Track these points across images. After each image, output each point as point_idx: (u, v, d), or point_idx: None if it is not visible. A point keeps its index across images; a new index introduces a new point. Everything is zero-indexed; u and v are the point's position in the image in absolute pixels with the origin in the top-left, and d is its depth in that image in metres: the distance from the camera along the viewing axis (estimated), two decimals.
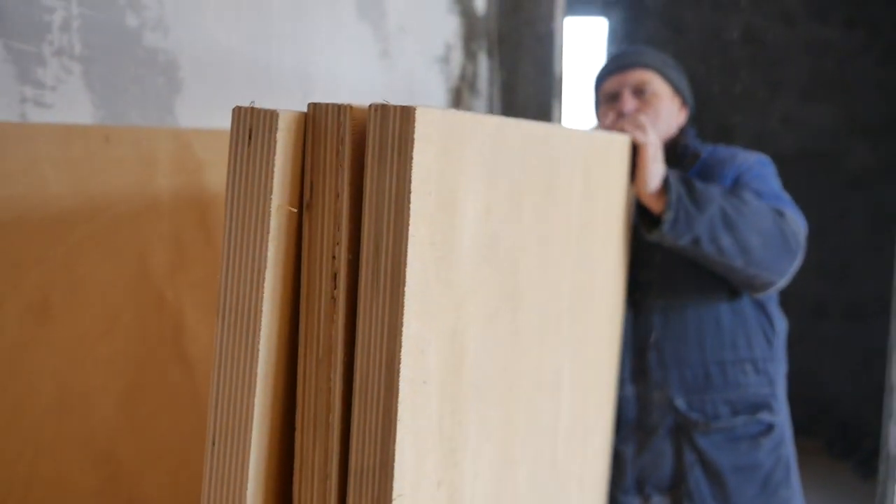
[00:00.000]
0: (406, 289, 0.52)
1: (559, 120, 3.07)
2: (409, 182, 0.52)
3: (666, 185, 1.74)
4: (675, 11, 5.27)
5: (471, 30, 2.62)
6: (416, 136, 0.52)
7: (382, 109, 0.53)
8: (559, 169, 0.99)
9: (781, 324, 2.04)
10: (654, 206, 1.76)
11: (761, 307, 1.98)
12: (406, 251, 0.52)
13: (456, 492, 0.65)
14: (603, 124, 2.03)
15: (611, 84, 2.05)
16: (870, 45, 5.00)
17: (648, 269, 1.97)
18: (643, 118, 1.83)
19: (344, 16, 1.89)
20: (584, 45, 5.53)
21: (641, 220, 1.85)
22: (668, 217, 1.71)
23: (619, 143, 1.60)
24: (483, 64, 2.73)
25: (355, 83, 1.96)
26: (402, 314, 0.52)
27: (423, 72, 2.31)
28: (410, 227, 0.52)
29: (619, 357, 1.96)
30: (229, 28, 1.56)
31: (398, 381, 0.52)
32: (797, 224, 1.80)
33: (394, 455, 0.52)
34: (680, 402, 1.97)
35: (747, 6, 5.21)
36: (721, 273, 1.86)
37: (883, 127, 5.02)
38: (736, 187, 1.91)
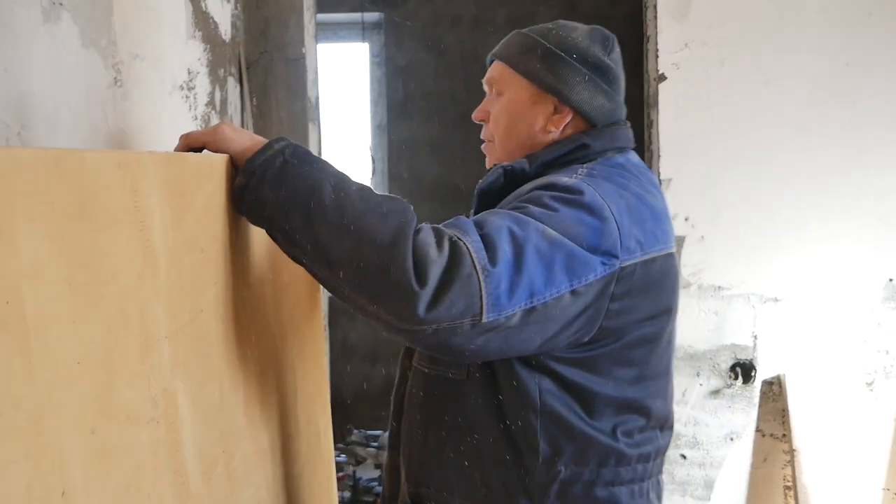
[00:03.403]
0: None
1: (317, 144, 3.04)
2: None
3: (265, 145, 1.29)
4: (434, 33, 5.37)
5: (216, 55, 2.55)
6: None
7: None
8: (100, 197, 0.97)
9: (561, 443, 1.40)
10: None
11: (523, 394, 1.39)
12: None
13: None
14: None
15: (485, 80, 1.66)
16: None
17: None
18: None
19: (66, 42, 1.78)
20: (346, 70, 5.55)
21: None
22: (239, 182, 1.27)
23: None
24: (232, 90, 2.67)
25: (85, 113, 1.85)
26: None
27: (163, 99, 2.22)
28: None
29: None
30: None
31: None
32: (442, 258, 1.19)
33: None
34: (418, 496, 1.53)
35: (504, 26, 5.39)
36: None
37: (636, 139, 5.31)
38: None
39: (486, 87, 1.62)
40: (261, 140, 1.32)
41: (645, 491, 1.48)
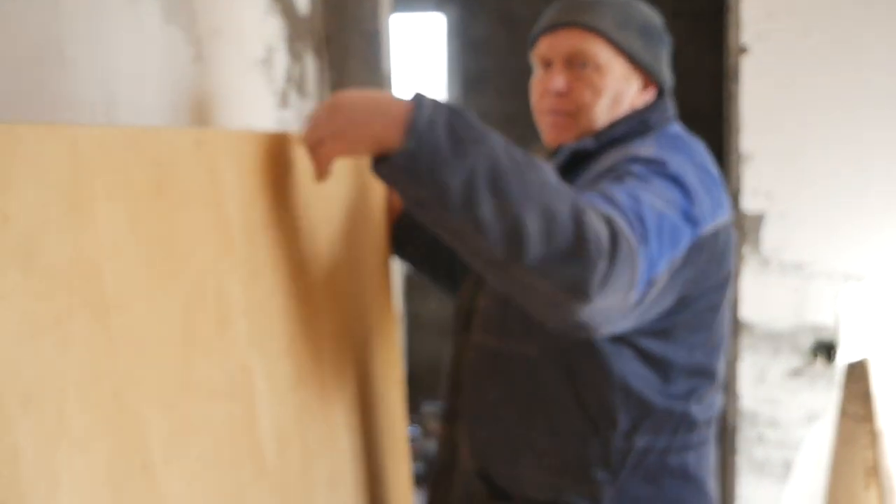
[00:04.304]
0: None
1: None
2: None
3: (416, 103, 1.11)
4: (508, 5, 5.32)
5: (294, 30, 2.56)
6: None
7: None
8: (178, 175, 0.98)
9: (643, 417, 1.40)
10: (391, 139, 1.11)
11: (604, 378, 1.38)
12: None
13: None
14: (533, 100, 1.56)
15: (542, 48, 1.52)
16: (693, 35, 5.18)
17: (476, 290, 1.53)
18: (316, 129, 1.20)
19: (148, 20, 1.81)
20: (421, 41, 5.53)
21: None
22: (408, 146, 1.07)
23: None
24: (310, 65, 2.68)
25: (167, 89, 1.87)
26: None
27: (242, 75, 2.24)
28: None
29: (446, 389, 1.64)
30: (11, 32, 1.46)
31: None
32: (606, 232, 1.12)
33: None
34: (485, 470, 1.51)
35: None
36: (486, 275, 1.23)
37: (713, 113, 5.21)
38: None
39: (556, 56, 1.49)
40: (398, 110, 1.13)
41: (707, 454, 1.51)
